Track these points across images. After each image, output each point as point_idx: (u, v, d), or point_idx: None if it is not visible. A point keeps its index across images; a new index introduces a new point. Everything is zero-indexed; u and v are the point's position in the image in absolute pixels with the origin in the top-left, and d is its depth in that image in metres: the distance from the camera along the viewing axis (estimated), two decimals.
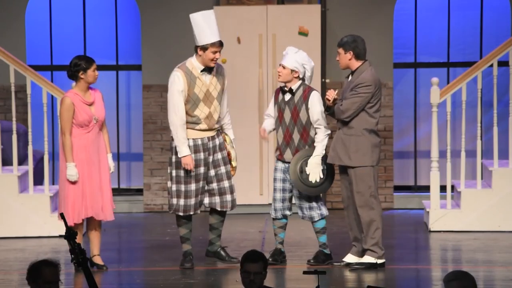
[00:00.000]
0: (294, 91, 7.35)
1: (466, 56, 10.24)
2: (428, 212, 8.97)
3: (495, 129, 8.91)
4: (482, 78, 8.88)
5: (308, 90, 7.36)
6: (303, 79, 7.38)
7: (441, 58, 10.35)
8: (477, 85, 8.90)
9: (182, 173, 7.37)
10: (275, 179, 7.45)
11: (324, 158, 7.33)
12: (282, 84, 7.41)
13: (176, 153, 7.39)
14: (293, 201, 7.45)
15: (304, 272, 5.08)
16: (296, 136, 7.35)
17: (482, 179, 9.00)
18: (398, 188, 10.25)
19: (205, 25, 7.21)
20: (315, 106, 7.31)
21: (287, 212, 7.47)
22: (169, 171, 7.42)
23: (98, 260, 7.39)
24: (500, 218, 8.80)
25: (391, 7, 10.10)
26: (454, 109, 9.58)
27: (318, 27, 9.93)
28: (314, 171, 7.26)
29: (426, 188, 9.36)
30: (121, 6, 10.45)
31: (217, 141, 7.43)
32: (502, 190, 8.81)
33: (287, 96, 7.37)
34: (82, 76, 7.37)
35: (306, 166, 7.28)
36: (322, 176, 7.28)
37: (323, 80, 10.06)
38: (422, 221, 9.29)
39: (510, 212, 8.80)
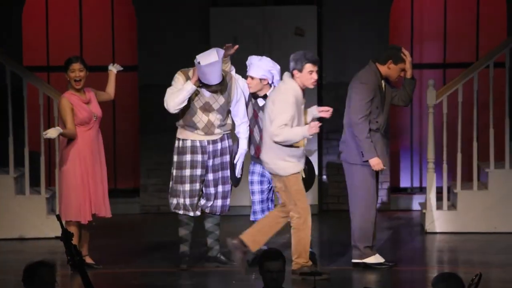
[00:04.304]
0: (268, 96, 7.39)
1: (463, 56, 10.25)
2: (424, 213, 8.98)
3: (491, 131, 8.92)
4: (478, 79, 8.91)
5: None
6: (273, 83, 7.41)
7: (437, 59, 10.36)
8: (473, 87, 8.92)
9: (179, 173, 7.39)
10: (252, 182, 7.48)
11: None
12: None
13: (178, 153, 7.41)
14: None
15: (301, 274, 5.10)
16: None
17: (478, 180, 9.01)
18: (394, 190, 10.26)
19: (208, 71, 7.14)
20: None
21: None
22: (171, 170, 7.44)
23: (88, 260, 7.41)
24: (496, 219, 8.81)
25: (388, 7, 10.11)
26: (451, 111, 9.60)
27: (314, 27, 9.94)
28: None
29: (423, 190, 9.37)
30: (118, 7, 10.45)
31: (218, 146, 7.43)
32: (498, 192, 8.82)
33: (261, 102, 7.40)
34: (67, 77, 7.47)
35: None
36: (304, 176, 7.34)
37: (321, 81, 10.08)
38: (418, 223, 9.30)
39: (506, 214, 8.81)
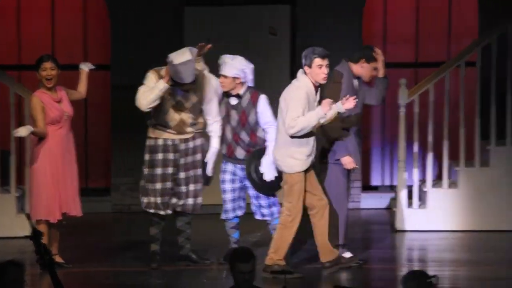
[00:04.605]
0: (241, 95, 7.39)
1: (434, 56, 10.31)
2: (394, 211, 9.03)
3: (462, 130, 8.98)
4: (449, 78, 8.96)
5: (256, 95, 7.41)
6: (246, 82, 7.41)
7: (409, 58, 10.41)
8: (445, 86, 8.97)
9: (151, 171, 7.38)
10: (223, 181, 7.49)
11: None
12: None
13: (149, 152, 7.40)
14: (251, 201, 7.49)
15: (272, 272, 5.10)
16: (245, 137, 7.42)
17: (448, 178, 9.07)
18: (365, 188, 10.30)
19: (180, 70, 7.13)
20: (267, 110, 7.37)
21: (239, 212, 7.54)
22: (143, 169, 7.43)
23: (58, 259, 7.39)
24: (466, 217, 8.87)
25: (361, 7, 10.14)
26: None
27: (287, 27, 9.95)
28: (269, 170, 7.33)
29: (393, 188, 9.41)
30: (90, 5, 10.42)
31: (190, 144, 7.43)
32: (468, 190, 8.88)
33: (233, 101, 7.41)
34: (38, 76, 7.44)
35: (260, 165, 7.34)
36: (276, 175, 7.36)
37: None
38: (388, 221, 9.34)
39: (476, 212, 8.87)
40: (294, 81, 7.12)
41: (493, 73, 8.92)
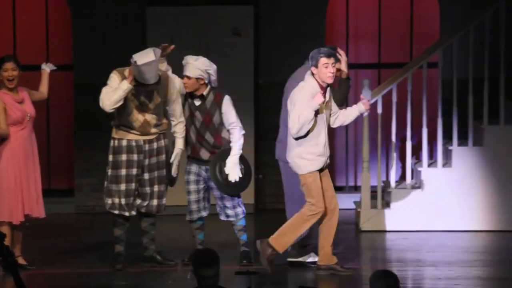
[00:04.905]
0: (205, 96, 7.38)
1: (396, 57, 10.37)
2: (359, 212, 9.07)
3: (425, 130, 9.04)
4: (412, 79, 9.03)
5: (220, 96, 7.41)
6: (209, 83, 7.41)
7: (372, 59, 10.47)
8: (407, 87, 9.03)
9: (114, 172, 7.35)
10: (188, 182, 7.49)
11: (241, 157, 7.40)
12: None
13: (113, 153, 7.37)
14: (216, 202, 7.49)
15: (236, 273, 5.09)
16: (209, 138, 7.42)
17: (412, 179, 9.13)
18: None
19: (144, 71, 7.10)
20: (231, 110, 7.38)
21: (203, 213, 7.54)
22: (106, 170, 7.39)
23: (21, 261, 7.33)
24: (430, 217, 8.93)
25: (324, 8, 10.18)
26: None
27: (251, 27, 9.96)
28: (233, 171, 7.33)
29: (357, 188, 9.46)
30: (52, 5, 10.34)
31: (154, 145, 7.41)
32: (431, 190, 8.95)
33: (197, 101, 7.41)
34: (0, 76, 7.39)
35: (225, 166, 7.34)
36: (240, 175, 7.36)
37: (258, 81, 10.11)
38: (353, 221, 9.38)
39: (439, 212, 8.94)
40: (301, 83, 7.14)
41: (454, 74, 8.99)
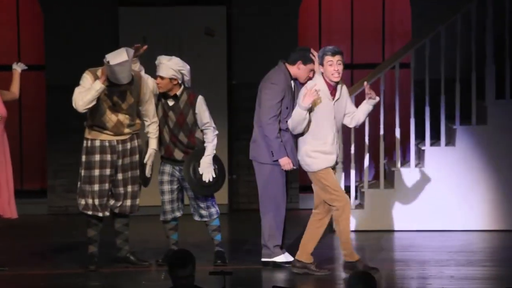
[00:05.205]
0: (178, 96, 7.37)
1: (369, 58, 10.42)
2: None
3: (397, 131, 9.09)
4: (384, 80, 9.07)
5: (193, 96, 7.41)
6: (183, 83, 7.41)
7: (344, 59, 10.49)
8: (380, 87, 9.07)
9: (88, 173, 7.32)
10: (162, 182, 7.48)
11: (215, 157, 7.40)
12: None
13: (86, 153, 7.34)
14: (189, 203, 7.49)
15: (211, 273, 5.08)
16: (182, 138, 7.42)
17: (385, 179, 9.17)
18: (303, 189, 10.36)
19: (117, 71, 7.07)
20: (204, 111, 7.38)
21: (177, 214, 7.54)
22: (79, 171, 7.36)
23: None
24: (403, 217, 8.98)
25: (296, 8, 10.20)
26: None
27: (224, 28, 9.96)
28: (207, 171, 7.34)
29: None
30: (23, 4, 10.28)
31: (128, 145, 7.39)
32: (404, 190, 9.00)
33: (171, 102, 7.40)
34: None
35: (199, 166, 7.34)
36: (214, 176, 7.36)
37: (231, 82, 10.11)
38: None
39: (412, 212, 8.99)
40: (309, 82, 7.18)
41: (427, 74, 9.05)
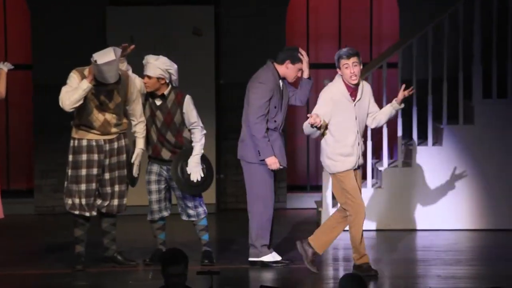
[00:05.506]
0: (166, 96, 7.37)
1: None
2: (320, 211, 9.10)
3: (385, 130, 9.10)
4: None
5: (181, 95, 7.40)
6: (170, 82, 7.41)
7: (332, 59, 10.50)
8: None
9: (75, 172, 7.31)
10: (149, 182, 7.48)
11: (203, 157, 7.40)
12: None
13: (73, 153, 7.32)
14: (177, 202, 7.48)
15: (198, 273, 5.08)
16: (170, 138, 7.41)
17: (372, 178, 9.18)
18: (291, 188, 10.36)
19: (104, 70, 7.06)
20: (192, 110, 7.38)
21: (165, 213, 7.53)
22: (66, 170, 7.35)
23: None
24: (390, 216, 9.00)
25: (284, 8, 10.21)
26: None
27: (211, 27, 9.96)
28: (195, 170, 7.34)
29: (319, 188, 9.49)
30: (10, 3, 10.25)
31: (115, 145, 7.38)
32: (391, 190, 9.01)
33: (158, 101, 7.39)
34: None
35: (187, 166, 7.34)
36: (202, 175, 7.36)
37: (219, 81, 10.11)
38: (314, 221, 9.42)
39: (398, 211, 9.01)
40: (329, 83, 7.23)
41: (414, 74, 9.07)
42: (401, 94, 7.23)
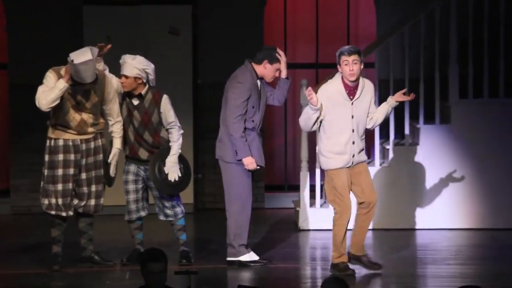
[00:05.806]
0: (143, 95, 7.36)
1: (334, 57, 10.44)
2: (298, 211, 9.11)
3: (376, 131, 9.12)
4: None
5: (158, 95, 7.39)
6: (147, 82, 7.40)
7: (309, 59, 10.53)
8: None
9: (51, 172, 7.28)
10: (126, 182, 7.47)
11: (180, 157, 7.39)
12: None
13: (49, 152, 7.29)
14: (154, 202, 7.47)
15: (176, 273, 5.08)
16: (147, 138, 7.40)
17: None
18: (269, 188, 10.37)
19: (81, 70, 7.02)
20: (169, 110, 7.37)
21: (142, 213, 7.52)
22: (43, 170, 7.31)
23: None
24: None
25: (262, 8, 10.22)
26: None
27: (189, 27, 9.95)
28: (172, 170, 7.33)
29: (297, 188, 9.50)
30: None
31: (92, 145, 7.35)
32: None
33: (135, 101, 7.38)
34: None
35: (164, 166, 7.33)
36: (180, 175, 7.35)
37: (197, 81, 10.09)
38: (292, 220, 9.43)
39: (377, 210, 9.01)
40: (328, 80, 7.23)
41: (391, 74, 9.10)
42: (400, 96, 7.20)
